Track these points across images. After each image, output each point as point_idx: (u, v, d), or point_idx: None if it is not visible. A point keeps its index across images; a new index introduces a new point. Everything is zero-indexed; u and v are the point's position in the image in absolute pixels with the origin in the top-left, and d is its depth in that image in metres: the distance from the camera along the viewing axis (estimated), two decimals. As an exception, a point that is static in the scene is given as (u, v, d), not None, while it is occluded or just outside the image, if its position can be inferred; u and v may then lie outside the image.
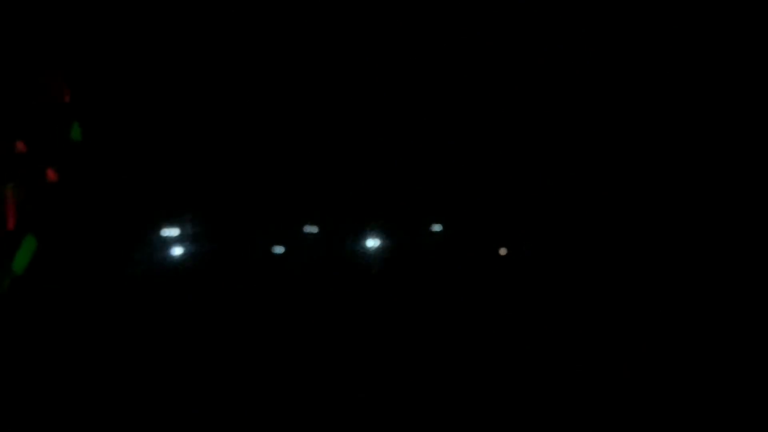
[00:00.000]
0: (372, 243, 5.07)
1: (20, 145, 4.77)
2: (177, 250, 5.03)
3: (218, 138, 5.15)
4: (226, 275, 5.06)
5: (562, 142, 5.12)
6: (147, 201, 5.10)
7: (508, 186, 5.10)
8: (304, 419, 4.44)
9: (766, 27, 4.98)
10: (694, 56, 5.06)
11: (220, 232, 5.11)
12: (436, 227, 5.13)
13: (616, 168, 5.08)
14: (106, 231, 5.07)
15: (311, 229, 5.07)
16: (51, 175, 4.93)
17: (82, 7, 4.94)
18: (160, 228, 5.07)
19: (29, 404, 4.38)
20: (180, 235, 5.06)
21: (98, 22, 5.03)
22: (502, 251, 5.18)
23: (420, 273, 5.02)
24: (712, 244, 4.91)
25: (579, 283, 4.92)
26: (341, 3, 5.16)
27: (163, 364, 4.67)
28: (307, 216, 5.10)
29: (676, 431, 4.37)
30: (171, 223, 5.06)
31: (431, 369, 4.68)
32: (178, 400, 4.51)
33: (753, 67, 5.01)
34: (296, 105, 5.21)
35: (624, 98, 5.13)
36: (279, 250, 5.07)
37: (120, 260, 5.03)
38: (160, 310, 4.89)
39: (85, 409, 4.43)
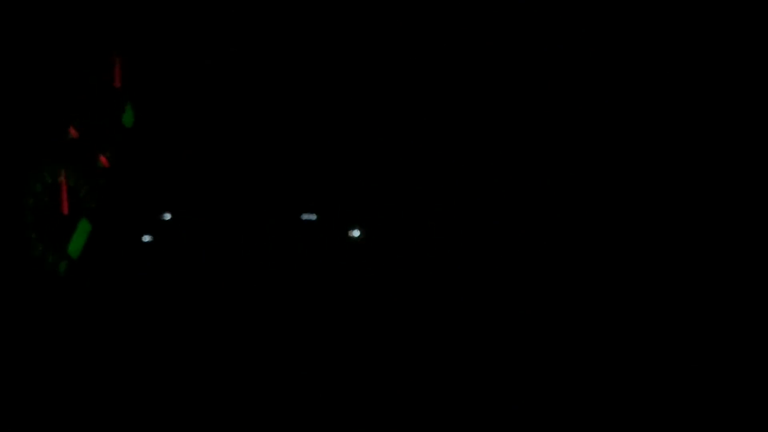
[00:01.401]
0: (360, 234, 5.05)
1: (72, 131, 4.76)
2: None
3: (279, 126, 5.15)
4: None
5: (563, 141, 5.10)
6: (195, 189, 5.09)
7: (508, 183, 5.08)
8: (304, 418, 4.45)
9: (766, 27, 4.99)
10: (694, 56, 5.06)
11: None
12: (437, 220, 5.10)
13: (617, 167, 5.06)
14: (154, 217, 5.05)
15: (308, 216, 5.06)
16: (103, 160, 4.93)
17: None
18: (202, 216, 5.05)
19: (81, 379, 4.41)
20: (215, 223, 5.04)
21: (151, 6, 5.03)
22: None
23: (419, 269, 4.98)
24: (712, 244, 4.89)
25: (578, 280, 4.89)
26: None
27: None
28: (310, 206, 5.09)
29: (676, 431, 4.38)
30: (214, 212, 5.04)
31: (430, 367, 4.66)
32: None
33: (753, 67, 5.00)
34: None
35: (624, 98, 5.12)
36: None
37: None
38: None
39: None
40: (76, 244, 4.67)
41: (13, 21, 4.56)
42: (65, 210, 4.65)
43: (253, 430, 4.41)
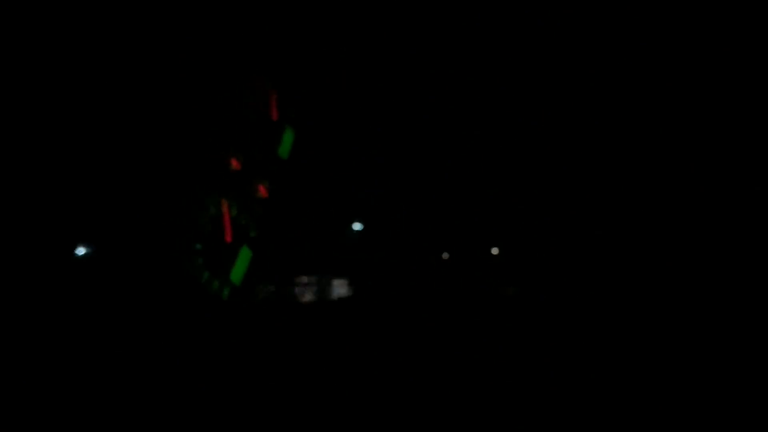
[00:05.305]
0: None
1: (234, 163, 4.99)
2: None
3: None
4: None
5: (561, 142, 5.07)
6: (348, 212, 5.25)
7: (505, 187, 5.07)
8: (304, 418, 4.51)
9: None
10: (693, 56, 4.97)
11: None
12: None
13: (615, 168, 5.01)
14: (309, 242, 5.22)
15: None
16: (262, 190, 5.14)
17: (295, 24, 5.13)
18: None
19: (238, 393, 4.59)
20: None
21: (307, 39, 5.20)
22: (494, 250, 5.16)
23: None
24: (711, 244, 4.80)
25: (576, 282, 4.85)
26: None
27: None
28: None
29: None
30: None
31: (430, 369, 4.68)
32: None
33: (753, 67, 4.90)
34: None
35: (624, 98, 5.06)
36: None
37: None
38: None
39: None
40: (238, 271, 4.89)
41: (180, 68, 4.82)
42: (228, 238, 4.87)
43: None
